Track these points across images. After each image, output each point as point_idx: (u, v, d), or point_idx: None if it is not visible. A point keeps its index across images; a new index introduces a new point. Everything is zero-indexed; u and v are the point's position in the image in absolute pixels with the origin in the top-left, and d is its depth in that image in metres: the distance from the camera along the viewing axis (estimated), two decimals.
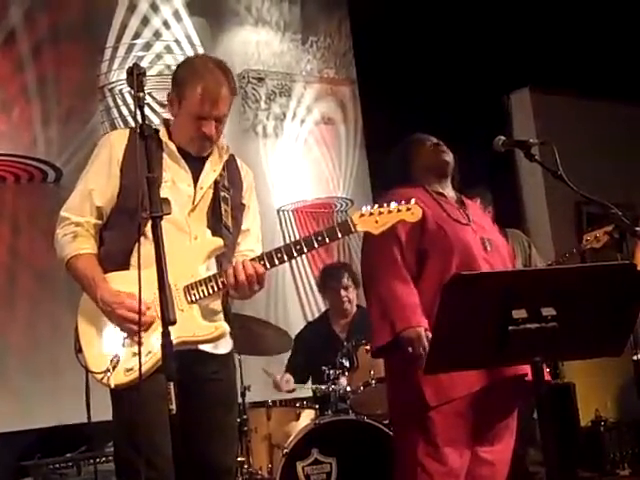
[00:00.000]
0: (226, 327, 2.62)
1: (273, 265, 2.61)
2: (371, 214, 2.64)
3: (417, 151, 3.12)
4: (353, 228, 2.64)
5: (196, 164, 2.72)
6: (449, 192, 3.11)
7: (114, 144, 2.70)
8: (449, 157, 3.10)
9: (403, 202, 2.64)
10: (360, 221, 2.63)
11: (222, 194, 2.72)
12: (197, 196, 2.69)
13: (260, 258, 2.61)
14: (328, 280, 4.96)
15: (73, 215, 2.67)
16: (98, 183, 2.67)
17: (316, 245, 2.61)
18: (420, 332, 2.77)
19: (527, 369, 2.72)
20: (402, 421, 2.96)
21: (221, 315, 2.70)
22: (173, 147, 2.68)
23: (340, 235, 2.63)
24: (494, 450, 2.90)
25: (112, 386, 2.48)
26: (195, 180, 2.70)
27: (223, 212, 2.70)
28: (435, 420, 2.79)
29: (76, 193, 2.71)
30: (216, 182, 2.72)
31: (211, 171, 2.73)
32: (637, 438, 6.27)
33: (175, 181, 2.64)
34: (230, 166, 2.80)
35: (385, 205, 2.65)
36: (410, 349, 2.78)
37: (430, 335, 2.69)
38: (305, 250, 2.61)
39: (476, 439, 2.86)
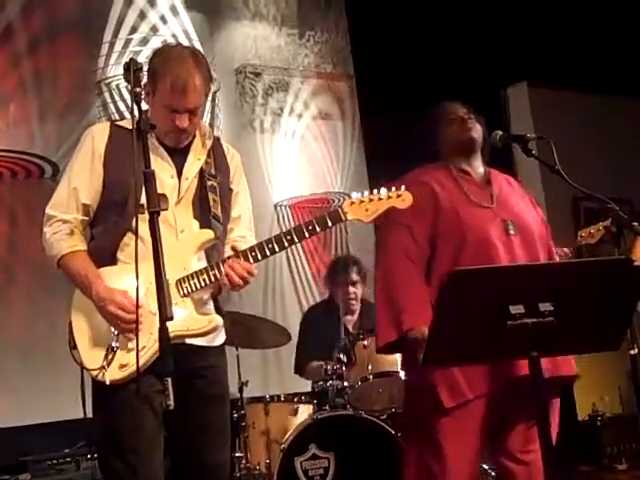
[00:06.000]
0: (219, 320, 2.61)
1: (265, 256, 2.58)
2: (362, 202, 2.62)
3: (441, 127, 2.96)
4: (343, 217, 2.61)
5: (179, 154, 2.66)
6: (477, 169, 2.96)
7: (95, 139, 2.65)
8: (476, 133, 2.94)
9: (394, 188, 2.62)
10: (351, 209, 2.61)
11: (209, 183, 2.66)
12: (182, 187, 2.63)
13: (251, 250, 2.58)
14: (337, 275, 4.83)
15: (59, 213, 2.64)
16: (82, 180, 2.63)
17: (307, 234, 2.58)
18: (425, 331, 2.61)
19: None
20: (412, 422, 2.85)
21: (211, 306, 2.68)
22: (153, 139, 2.58)
23: (330, 224, 2.60)
24: (530, 451, 2.76)
25: (107, 382, 2.47)
26: (179, 171, 2.65)
27: (212, 202, 2.64)
28: (445, 423, 2.69)
29: (61, 190, 2.67)
30: (202, 170, 2.67)
31: (195, 160, 2.67)
32: (634, 432, 6.27)
33: (157, 173, 2.55)
34: (216, 152, 2.75)
35: (375, 192, 2.63)
36: (417, 349, 2.65)
37: None
38: (296, 240, 2.58)
39: (507, 441, 2.79)
